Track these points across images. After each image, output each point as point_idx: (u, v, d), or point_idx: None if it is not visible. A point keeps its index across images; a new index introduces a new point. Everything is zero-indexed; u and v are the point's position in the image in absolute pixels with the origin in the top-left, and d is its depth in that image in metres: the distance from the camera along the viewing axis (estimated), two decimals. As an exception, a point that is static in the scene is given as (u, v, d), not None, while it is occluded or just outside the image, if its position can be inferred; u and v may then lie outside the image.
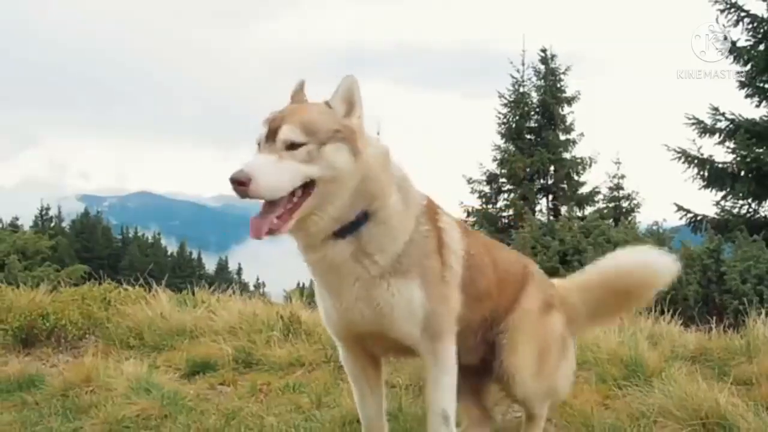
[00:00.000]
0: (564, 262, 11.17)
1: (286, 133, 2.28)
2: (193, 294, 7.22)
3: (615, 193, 27.74)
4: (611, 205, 27.06)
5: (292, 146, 2.28)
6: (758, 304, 4.96)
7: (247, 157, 2.32)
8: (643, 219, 19.64)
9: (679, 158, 16.22)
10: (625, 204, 27.39)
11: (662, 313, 5.76)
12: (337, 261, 2.47)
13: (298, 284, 11.69)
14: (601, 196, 27.62)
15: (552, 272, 11.18)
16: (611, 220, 23.82)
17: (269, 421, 3.69)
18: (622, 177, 27.81)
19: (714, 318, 5.46)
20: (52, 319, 5.92)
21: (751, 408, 3.30)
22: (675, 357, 4.52)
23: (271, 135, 2.30)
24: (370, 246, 2.46)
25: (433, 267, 2.59)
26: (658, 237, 11.23)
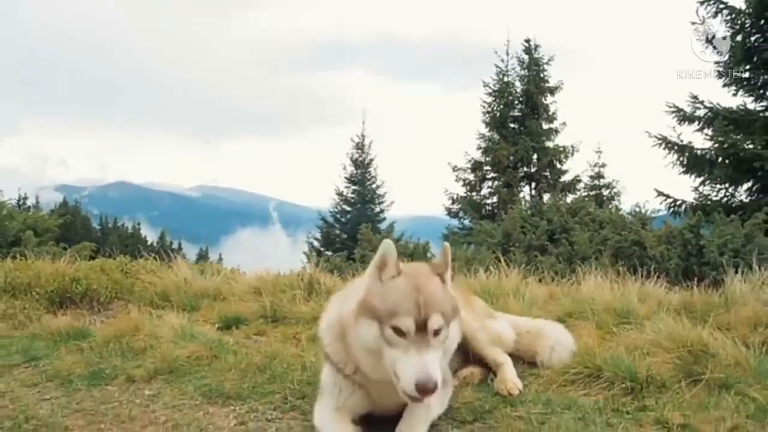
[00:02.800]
0: (552, 240, 11.74)
1: (436, 323, 2.65)
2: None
3: (596, 182, 28.55)
4: (592, 193, 27.84)
5: (436, 332, 2.66)
6: (734, 275, 5.47)
7: (416, 355, 2.57)
8: (625, 207, 20.30)
9: (660, 145, 16.84)
10: (605, 192, 28.20)
11: (648, 277, 6.28)
12: None
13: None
14: (582, 185, 28.44)
15: (541, 250, 11.80)
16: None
17: (308, 359, 4.17)
18: (603, 166, 28.66)
19: (695, 282, 5.97)
20: (84, 283, 6.32)
21: (729, 341, 3.83)
22: (662, 309, 5.03)
23: (422, 327, 2.61)
24: None
25: None
26: (640, 217, 11.83)
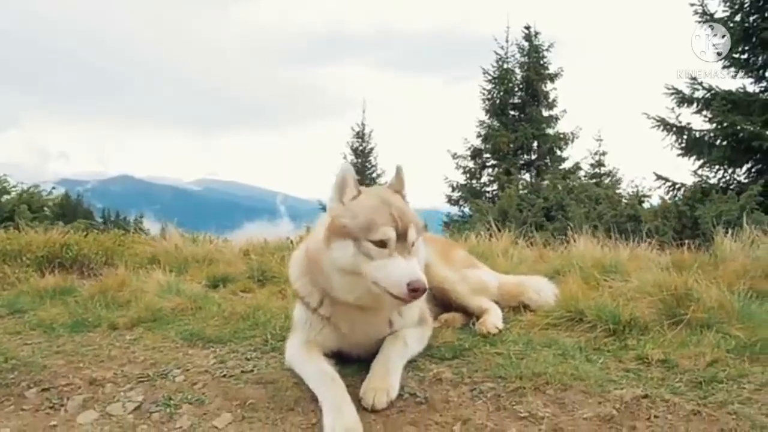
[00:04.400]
0: (549, 218, 11.72)
1: (413, 235, 2.74)
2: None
3: (596, 170, 28.47)
4: (593, 181, 27.76)
5: (412, 244, 2.74)
6: (725, 235, 5.46)
7: (402, 259, 2.66)
8: (625, 192, 20.28)
9: (658, 126, 16.73)
10: (606, 180, 28.11)
11: (639, 242, 6.27)
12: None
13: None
14: (582, 172, 28.36)
15: (539, 227, 11.77)
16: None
17: (293, 311, 4.16)
18: (604, 154, 28.58)
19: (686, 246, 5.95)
20: (75, 249, 6.32)
21: (714, 286, 3.81)
22: (651, 267, 5.03)
23: (402, 236, 2.68)
24: None
25: None
26: (636, 194, 11.79)
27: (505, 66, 29.04)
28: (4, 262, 6.40)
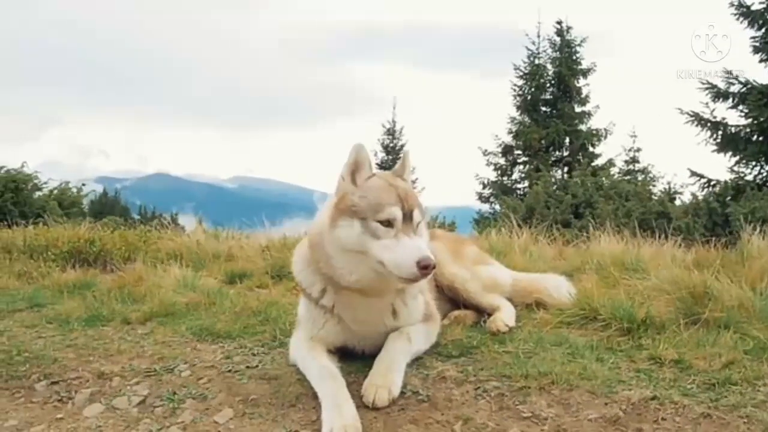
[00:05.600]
0: (577, 215, 11.53)
1: (418, 216, 2.78)
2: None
3: (631, 166, 27.97)
4: (627, 177, 27.24)
5: (418, 224, 2.78)
6: (753, 232, 5.28)
7: (408, 239, 2.68)
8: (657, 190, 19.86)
9: (692, 122, 16.34)
10: (640, 177, 27.57)
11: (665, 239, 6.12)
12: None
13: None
14: (616, 169, 27.86)
15: (565, 224, 11.59)
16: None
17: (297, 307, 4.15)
18: (638, 150, 28.07)
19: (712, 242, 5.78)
20: (98, 244, 6.42)
21: (735, 285, 3.69)
22: (674, 264, 4.89)
23: (408, 217, 2.72)
24: None
25: None
26: (668, 191, 11.54)
27: (537, 62, 28.70)
28: (30, 257, 6.53)
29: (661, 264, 4.83)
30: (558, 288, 4.03)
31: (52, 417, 2.72)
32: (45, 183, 12.15)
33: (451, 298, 3.75)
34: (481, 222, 20.91)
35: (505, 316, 3.60)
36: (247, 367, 3.14)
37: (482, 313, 3.75)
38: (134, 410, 2.73)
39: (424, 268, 2.57)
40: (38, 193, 11.66)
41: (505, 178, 28.60)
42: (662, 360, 2.99)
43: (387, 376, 2.73)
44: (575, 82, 28.32)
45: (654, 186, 22.23)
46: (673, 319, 3.46)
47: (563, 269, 4.96)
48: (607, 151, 28.26)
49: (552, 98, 28.54)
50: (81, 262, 6.29)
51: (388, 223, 2.67)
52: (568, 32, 28.62)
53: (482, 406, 2.62)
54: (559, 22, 28.73)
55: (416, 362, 3.04)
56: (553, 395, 2.67)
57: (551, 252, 5.70)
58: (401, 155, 3.15)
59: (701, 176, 17.38)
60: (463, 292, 3.71)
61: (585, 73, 28.48)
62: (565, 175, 28.02)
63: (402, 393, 2.70)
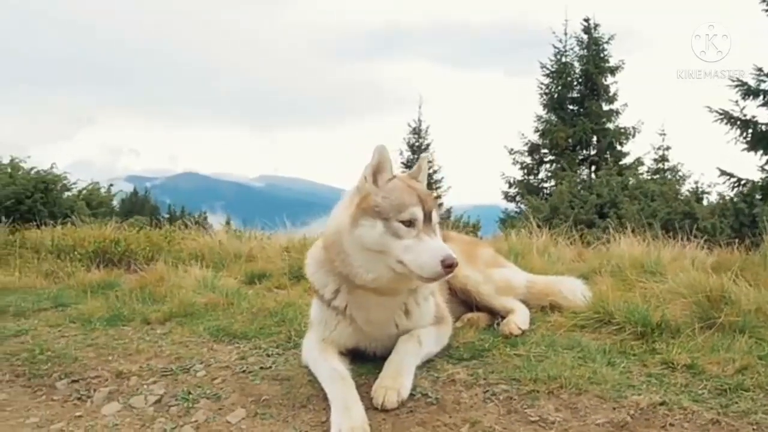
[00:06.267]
0: (602, 215, 11.42)
1: (436, 217, 2.90)
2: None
3: (660, 165, 27.53)
4: (656, 177, 26.81)
5: (436, 225, 2.90)
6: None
7: (430, 239, 2.77)
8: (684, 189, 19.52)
9: (722, 120, 16.04)
10: (669, 176, 27.12)
11: (688, 240, 6.04)
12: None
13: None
14: (645, 168, 27.45)
15: (589, 225, 11.49)
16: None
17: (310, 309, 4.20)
18: (668, 149, 27.62)
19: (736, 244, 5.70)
20: (123, 244, 6.54)
21: (753, 289, 3.64)
22: (694, 266, 4.84)
23: (428, 217, 2.80)
24: None
25: None
26: (696, 190, 11.37)
27: (564, 59, 28.42)
28: (58, 256, 6.69)
29: (681, 267, 4.78)
30: (573, 291, 4.02)
31: (72, 415, 2.79)
32: (74, 183, 12.43)
33: (465, 301, 3.77)
34: (507, 222, 20.80)
35: (519, 319, 3.61)
36: (261, 367, 3.19)
37: (496, 315, 3.76)
38: (150, 409, 2.80)
39: (449, 266, 2.64)
40: (67, 194, 11.93)
41: (531, 177, 28.37)
42: (675, 365, 2.97)
43: (396, 379, 2.76)
44: (603, 79, 27.97)
45: (682, 185, 21.93)
46: (689, 324, 3.43)
47: (581, 271, 4.93)
48: (635, 149, 27.86)
49: (579, 96, 28.24)
50: (106, 262, 6.43)
51: (410, 224, 2.75)
52: (595, 29, 28.29)
53: (490, 410, 2.63)
54: (587, 20, 28.43)
55: (427, 365, 3.06)
56: (562, 399, 2.67)
57: (571, 254, 5.67)
58: (419, 158, 3.23)
59: (731, 175, 17.07)
60: (476, 294, 3.73)
61: (613, 70, 28.10)
62: (592, 175, 27.73)
63: (411, 395, 2.73)
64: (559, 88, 28.11)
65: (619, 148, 27.76)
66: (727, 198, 9.60)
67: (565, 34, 28.56)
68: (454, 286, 3.70)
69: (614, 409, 2.56)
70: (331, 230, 2.99)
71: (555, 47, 28.52)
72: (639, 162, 27.34)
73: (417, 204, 2.78)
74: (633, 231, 6.72)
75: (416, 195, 2.83)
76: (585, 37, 28.27)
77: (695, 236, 6.34)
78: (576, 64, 28.35)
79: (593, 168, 27.90)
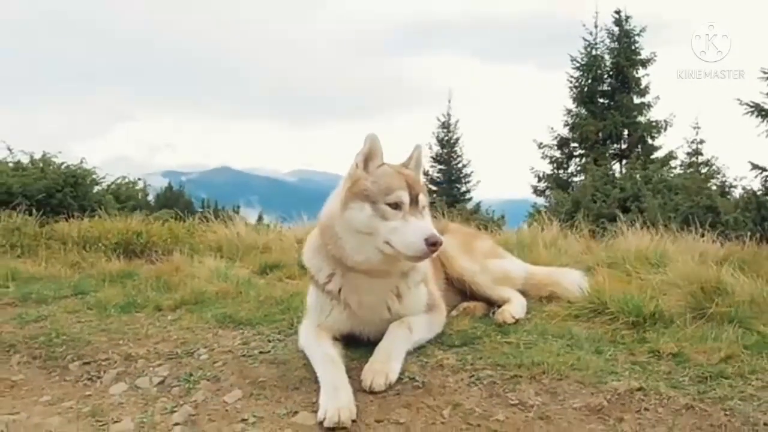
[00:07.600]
0: (625, 210, 11.34)
1: (424, 200, 3.01)
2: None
3: (693, 159, 27.03)
4: (689, 171, 26.32)
5: (423, 207, 3.00)
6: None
7: (416, 220, 2.89)
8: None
9: (752, 112, 15.72)
10: (704, 170, 26.59)
11: (702, 236, 6.02)
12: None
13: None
14: (678, 162, 26.97)
15: (611, 219, 11.40)
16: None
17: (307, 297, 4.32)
18: (702, 142, 27.05)
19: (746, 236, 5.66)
20: (145, 237, 6.76)
21: (749, 280, 3.66)
22: (700, 261, 4.84)
23: (414, 200, 2.93)
24: None
25: None
26: (721, 185, 11.22)
27: (594, 52, 28.04)
28: (83, 248, 6.93)
29: (684, 260, 4.79)
30: (572, 282, 4.08)
31: (82, 394, 2.97)
32: (103, 178, 12.82)
33: (462, 291, 3.86)
34: (534, 216, 20.74)
35: (513, 308, 3.68)
36: (261, 352, 3.33)
37: (493, 305, 3.84)
38: (154, 389, 2.96)
39: (432, 244, 2.76)
40: (97, 188, 12.31)
41: (560, 171, 28.10)
42: (661, 353, 3.03)
43: (386, 363, 2.87)
44: (634, 72, 27.53)
45: (714, 179, 21.53)
46: (681, 314, 3.48)
47: (587, 264, 4.98)
48: (668, 143, 27.40)
49: (610, 89, 27.84)
50: (128, 253, 6.63)
51: (396, 206, 2.89)
52: (626, 22, 27.88)
53: (473, 393, 2.72)
54: (618, 12, 28.01)
55: (418, 351, 3.16)
56: (543, 384, 2.76)
57: (579, 247, 5.70)
58: (414, 149, 3.31)
59: (763, 169, 16.74)
60: (473, 284, 3.81)
61: (644, 63, 27.66)
62: (623, 169, 27.36)
63: (399, 379, 2.84)
64: (590, 81, 27.74)
65: (650, 141, 27.33)
66: (751, 191, 9.44)
67: (596, 26, 28.16)
68: (451, 276, 3.79)
69: (592, 394, 2.64)
70: (325, 215, 3.14)
71: (585, 40, 28.17)
72: (671, 156, 26.85)
73: (404, 188, 2.91)
74: (650, 225, 6.72)
75: (403, 179, 2.96)
76: (616, 29, 27.86)
77: (714, 229, 6.31)
78: (606, 56, 27.94)
79: (624, 162, 27.55)
